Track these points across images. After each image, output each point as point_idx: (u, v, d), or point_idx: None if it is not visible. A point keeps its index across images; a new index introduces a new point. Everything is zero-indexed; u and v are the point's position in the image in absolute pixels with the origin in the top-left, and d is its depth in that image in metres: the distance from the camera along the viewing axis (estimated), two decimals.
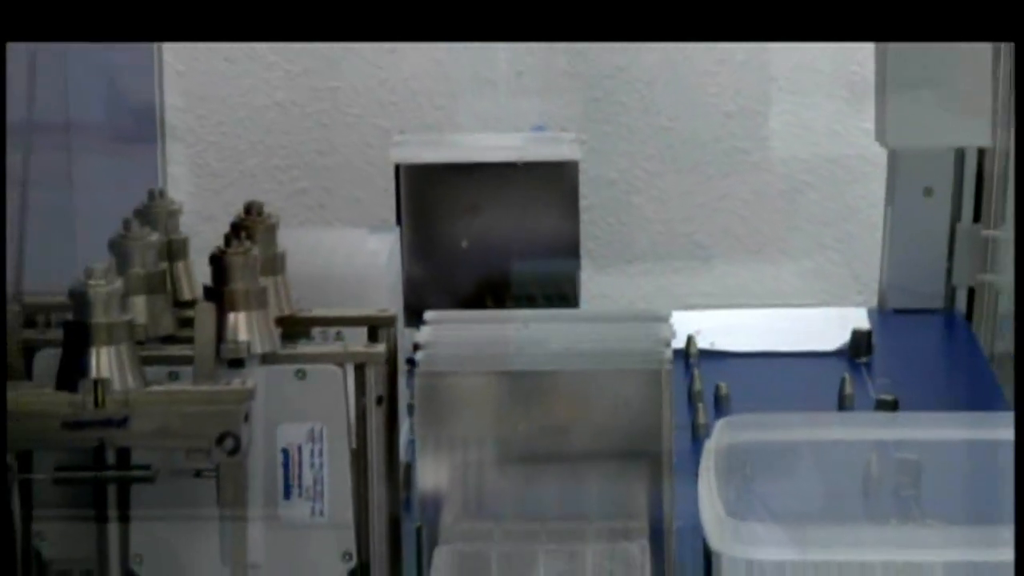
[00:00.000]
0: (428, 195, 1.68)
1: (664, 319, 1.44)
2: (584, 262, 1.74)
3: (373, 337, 1.36)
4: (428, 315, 1.47)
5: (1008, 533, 1.25)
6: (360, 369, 1.32)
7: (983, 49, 1.84)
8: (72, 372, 1.22)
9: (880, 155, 1.97)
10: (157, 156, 1.85)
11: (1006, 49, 1.86)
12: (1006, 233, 1.91)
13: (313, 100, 1.95)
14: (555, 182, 1.71)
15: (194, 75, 1.97)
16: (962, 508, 1.39)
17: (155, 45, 1.93)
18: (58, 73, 1.58)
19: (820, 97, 2.05)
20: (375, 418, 1.32)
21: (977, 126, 1.90)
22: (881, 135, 1.93)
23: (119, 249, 1.32)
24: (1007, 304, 1.90)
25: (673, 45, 2.00)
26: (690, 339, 1.80)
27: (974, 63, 1.89)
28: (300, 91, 1.93)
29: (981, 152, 1.94)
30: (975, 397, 1.77)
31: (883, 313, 1.94)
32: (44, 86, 1.55)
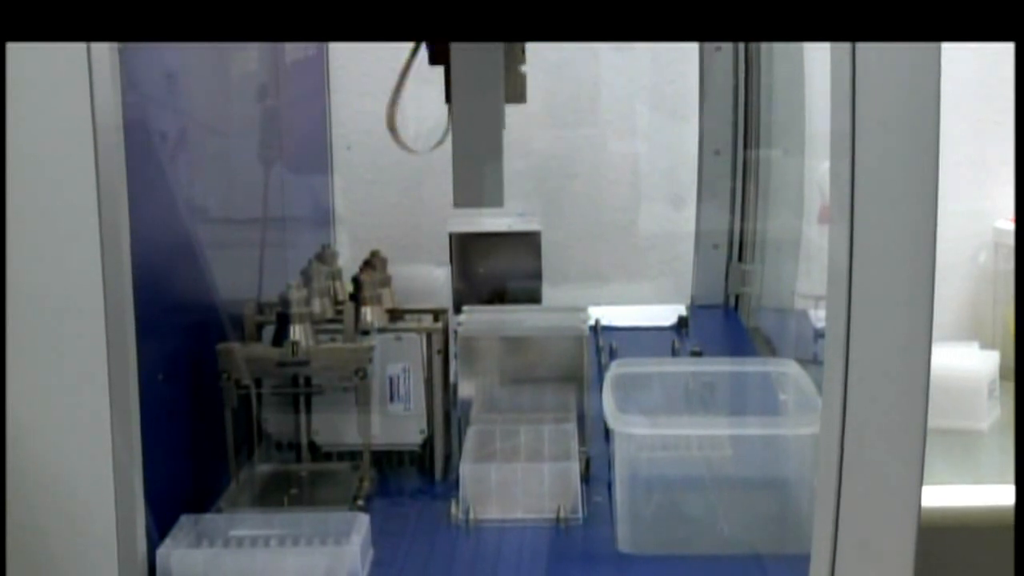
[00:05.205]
0: (466, 248, 1.63)
1: (584, 310, 1.39)
2: (544, 282, 1.69)
3: (436, 319, 1.31)
4: (465, 308, 1.42)
5: (758, 420, 1.22)
6: (429, 336, 1.26)
7: None
8: (281, 337, 1.17)
9: (691, 232, 1.91)
10: (330, 231, 1.81)
11: None
12: (754, 267, 1.85)
13: (409, 204, 1.87)
14: (529, 242, 1.67)
15: (349, 190, 1.90)
16: (735, 406, 1.33)
17: (330, 178, 1.87)
18: (286, 192, 1.54)
19: (658, 202, 1.98)
20: (436, 361, 1.26)
21: None
22: None
23: (306, 274, 1.27)
24: (756, 304, 1.85)
25: (590, 175, 1.93)
26: (597, 320, 1.74)
27: None
28: (402, 198, 1.84)
29: (742, 230, 1.89)
30: (739, 351, 1.71)
31: (694, 307, 1.89)
32: (274, 200, 1.50)
